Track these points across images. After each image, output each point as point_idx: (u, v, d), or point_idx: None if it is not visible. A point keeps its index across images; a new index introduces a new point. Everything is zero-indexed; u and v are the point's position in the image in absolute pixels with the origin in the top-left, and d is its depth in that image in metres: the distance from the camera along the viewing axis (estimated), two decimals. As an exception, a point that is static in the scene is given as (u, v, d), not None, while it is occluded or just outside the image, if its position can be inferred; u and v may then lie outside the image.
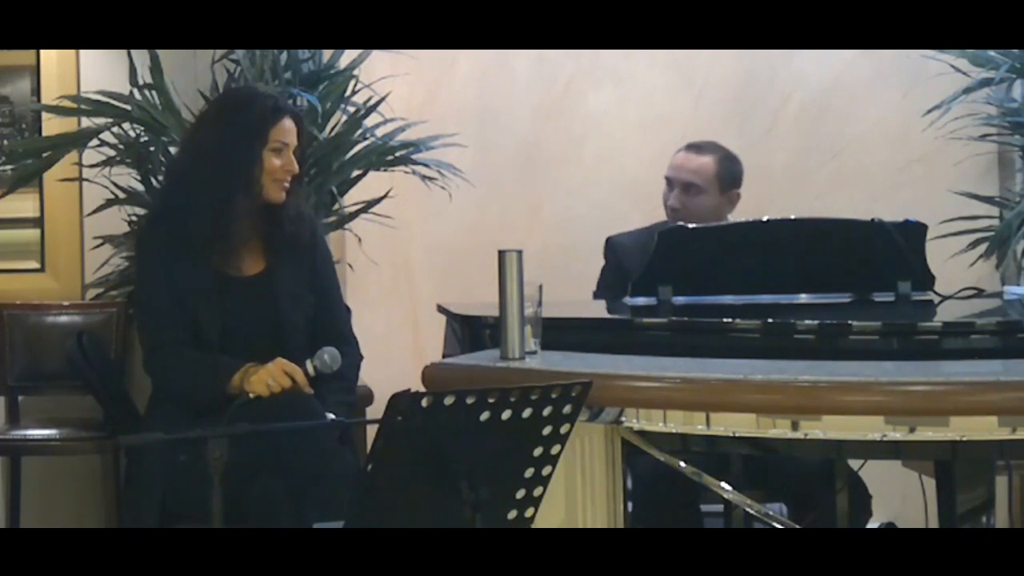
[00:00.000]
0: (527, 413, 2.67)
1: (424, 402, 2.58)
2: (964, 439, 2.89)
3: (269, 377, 3.62)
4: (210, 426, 3.12)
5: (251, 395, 3.58)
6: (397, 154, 4.94)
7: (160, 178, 4.89)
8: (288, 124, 3.81)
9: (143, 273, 3.87)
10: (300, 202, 3.93)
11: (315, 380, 3.70)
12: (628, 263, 4.21)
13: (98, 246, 5.04)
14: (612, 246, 4.47)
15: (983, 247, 5.06)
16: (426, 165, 4.95)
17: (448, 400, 2.60)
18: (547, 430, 2.72)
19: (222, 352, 3.71)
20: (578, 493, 3.17)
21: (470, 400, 2.62)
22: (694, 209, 4.39)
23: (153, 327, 3.79)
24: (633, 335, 3.57)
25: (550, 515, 3.01)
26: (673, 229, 4.19)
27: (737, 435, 3.02)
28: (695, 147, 4.50)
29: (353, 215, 4.97)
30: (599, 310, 4.09)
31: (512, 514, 2.75)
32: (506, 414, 2.64)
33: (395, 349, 5.30)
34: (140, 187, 4.90)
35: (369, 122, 4.96)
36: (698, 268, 3.89)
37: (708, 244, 3.96)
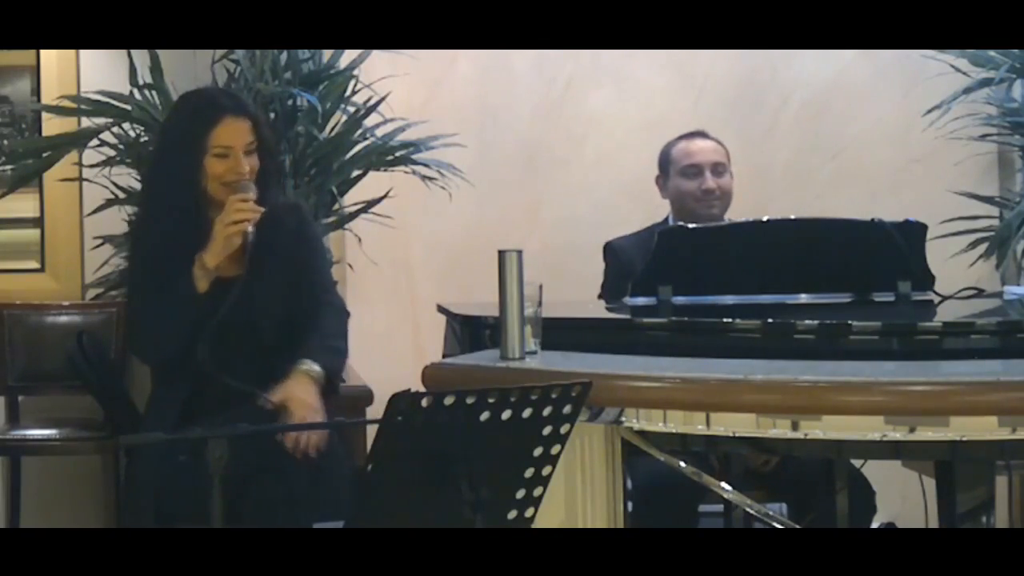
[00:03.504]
0: (527, 413, 2.67)
1: (424, 402, 2.58)
2: (964, 439, 2.89)
3: (228, 218, 3.61)
4: (210, 426, 3.12)
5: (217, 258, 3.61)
6: (397, 154, 4.94)
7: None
8: (231, 124, 3.67)
9: (132, 275, 3.85)
10: (277, 203, 3.81)
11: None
12: (632, 266, 4.20)
13: (98, 246, 5.04)
14: (614, 251, 4.46)
15: (983, 247, 5.07)
16: (426, 165, 4.95)
17: (448, 400, 2.60)
18: (547, 430, 2.72)
19: (200, 352, 3.62)
20: (578, 493, 3.16)
21: (470, 400, 2.62)
22: (725, 188, 4.46)
23: (140, 318, 3.73)
24: (633, 335, 3.56)
25: (550, 515, 3.01)
26: (673, 229, 4.20)
27: (737, 435, 3.02)
28: (699, 134, 4.55)
29: (353, 215, 4.97)
30: (599, 310, 4.09)
31: (512, 514, 2.75)
32: (506, 414, 2.64)
33: (395, 349, 5.30)
34: (140, 187, 4.90)
35: (369, 122, 4.96)
36: (698, 268, 3.89)
37: (708, 244, 3.96)
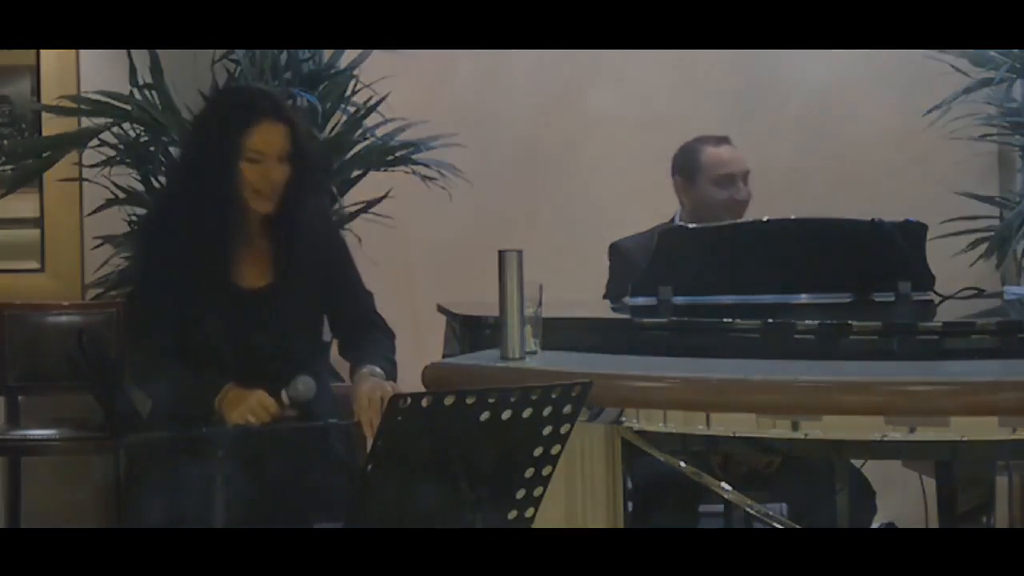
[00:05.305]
0: (527, 413, 2.67)
1: (424, 402, 2.59)
2: (964, 439, 2.89)
3: (248, 412, 3.39)
4: (212, 426, 3.12)
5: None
6: (397, 154, 4.95)
7: (161, 178, 4.89)
8: (266, 129, 3.49)
9: (145, 273, 3.68)
10: (311, 213, 3.64)
11: (298, 405, 3.49)
12: (636, 267, 4.18)
13: (98, 246, 5.05)
14: (619, 251, 4.43)
15: (983, 247, 5.07)
16: (426, 165, 4.96)
17: (448, 400, 2.60)
18: (547, 430, 2.72)
19: (224, 363, 3.54)
20: (578, 493, 3.16)
21: (470, 400, 2.62)
22: (749, 197, 4.42)
23: (143, 329, 3.61)
24: (633, 335, 3.57)
25: (550, 515, 3.01)
26: (673, 229, 4.19)
27: (737, 435, 3.03)
28: (724, 139, 4.49)
29: (353, 215, 4.98)
30: (599, 310, 4.09)
31: (512, 514, 2.75)
32: (506, 414, 2.65)
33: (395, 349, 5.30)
34: (140, 187, 4.91)
35: (369, 122, 4.97)
36: (698, 268, 3.89)
37: (708, 244, 3.96)
